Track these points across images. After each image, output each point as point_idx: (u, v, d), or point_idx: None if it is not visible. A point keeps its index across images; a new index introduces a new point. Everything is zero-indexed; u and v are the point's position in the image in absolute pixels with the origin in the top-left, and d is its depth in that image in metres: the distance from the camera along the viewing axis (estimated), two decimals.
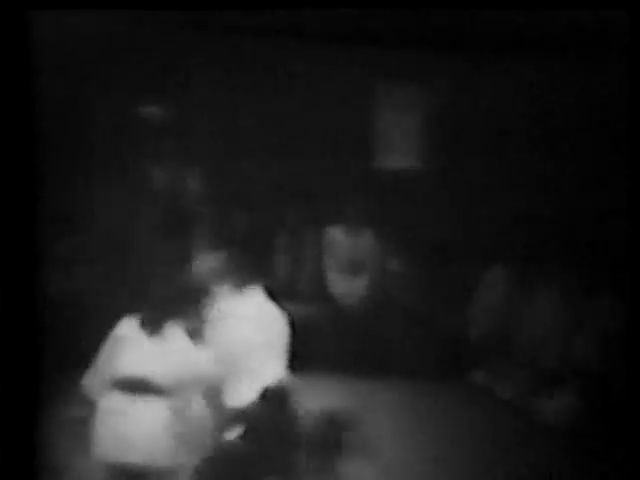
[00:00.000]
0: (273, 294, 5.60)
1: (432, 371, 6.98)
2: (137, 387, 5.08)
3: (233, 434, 5.30)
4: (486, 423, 6.40)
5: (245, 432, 5.31)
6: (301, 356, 6.11)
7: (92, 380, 5.18)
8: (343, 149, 6.37)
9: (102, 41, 6.18)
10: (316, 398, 6.33)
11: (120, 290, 5.86)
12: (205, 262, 5.94)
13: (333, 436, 5.40)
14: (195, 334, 5.29)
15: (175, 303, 5.33)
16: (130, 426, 5.04)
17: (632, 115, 5.05)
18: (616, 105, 5.39)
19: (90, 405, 5.19)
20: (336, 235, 7.59)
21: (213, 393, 5.33)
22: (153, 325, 5.20)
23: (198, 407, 5.26)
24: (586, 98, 6.82)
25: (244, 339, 5.46)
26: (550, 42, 6.21)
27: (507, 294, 7.44)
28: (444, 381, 6.93)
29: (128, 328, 5.21)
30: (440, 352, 7.22)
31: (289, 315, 5.55)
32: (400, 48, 6.89)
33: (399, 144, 7.87)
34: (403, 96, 7.93)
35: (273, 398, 5.45)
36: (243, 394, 5.43)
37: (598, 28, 5.44)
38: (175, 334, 5.24)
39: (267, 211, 7.67)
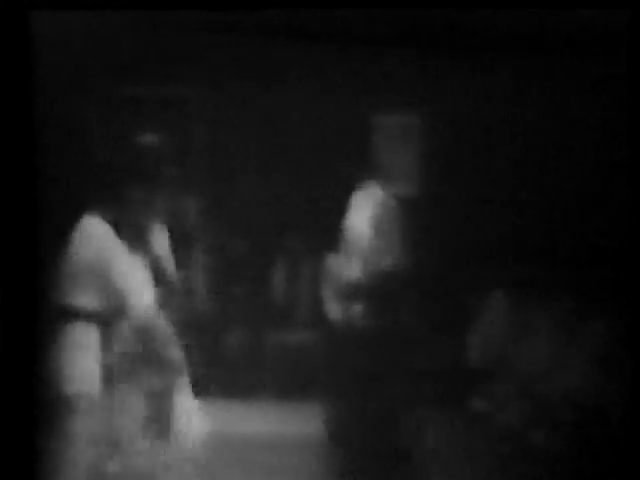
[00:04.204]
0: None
1: (430, 397, 6.98)
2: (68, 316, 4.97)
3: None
4: (484, 450, 6.39)
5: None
6: (298, 381, 6.12)
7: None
8: (340, 176, 6.38)
9: (102, 41, 6.18)
10: (312, 422, 6.34)
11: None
12: None
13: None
14: None
15: None
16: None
17: (632, 118, 5.05)
18: (616, 107, 5.39)
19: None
20: (334, 261, 7.59)
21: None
22: None
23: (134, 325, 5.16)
24: (586, 102, 6.83)
25: None
26: (550, 42, 6.22)
27: (506, 321, 7.45)
28: (442, 407, 6.92)
29: None
30: (438, 378, 7.22)
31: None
32: (398, 64, 6.92)
33: (397, 171, 7.89)
34: (400, 124, 7.96)
35: None
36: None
37: (598, 28, 5.45)
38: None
39: (265, 237, 7.70)
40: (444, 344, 7.45)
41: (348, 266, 6.23)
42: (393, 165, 7.90)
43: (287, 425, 6.44)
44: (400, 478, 6.03)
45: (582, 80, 6.69)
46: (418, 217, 7.38)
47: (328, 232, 7.23)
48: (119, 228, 5.23)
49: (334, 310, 6.23)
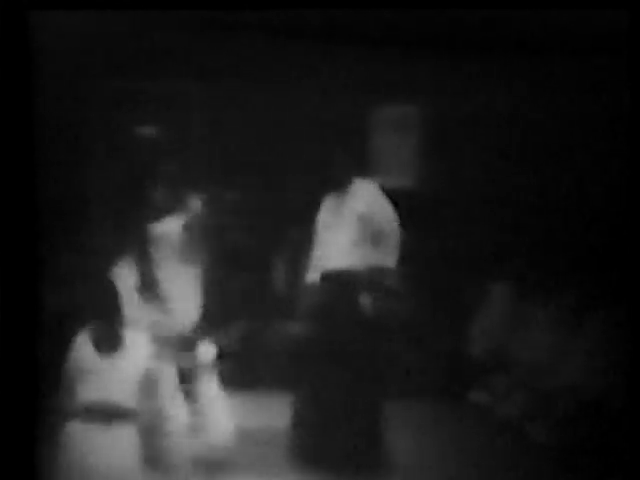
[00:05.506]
0: None
1: (430, 390, 6.99)
2: (102, 414, 4.99)
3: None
4: (484, 443, 6.40)
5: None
6: (299, 375, 6.13)
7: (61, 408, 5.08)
8: (339, 169, 6.36)
9: (102, 41, 6.18)
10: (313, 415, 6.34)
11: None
12: None
13: None
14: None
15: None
16: (100, 457, 4.95)
17: (632, 118, 5.05)
18: (616, 107, 5.39)
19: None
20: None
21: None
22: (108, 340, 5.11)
23: (167, 425, 5.21)
24: (586, 102, 6.83)
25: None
26: (550, 42, 6.22)
27: (507, 314, 7.47)
28: (442, 400, 6.94)
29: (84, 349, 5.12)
30: (438, 371, 7.23)
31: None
32: (396, 61, 6.91)
33: (395, 163, 7.88)
34: (398, 115, 7.95)
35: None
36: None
37: (598, 28, 5.44)
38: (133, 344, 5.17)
39: (265, 231, 7.70)
40: (445, 337, 7.46)
41: (349, 257, 6.22)
42: (393, 160, 7.90)
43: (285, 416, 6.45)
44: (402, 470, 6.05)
45: (582, 80, 6.68)
46: (419, 211, 7.39)
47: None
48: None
49: (334, 302, 6.24)
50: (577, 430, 6.21)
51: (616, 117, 5.36)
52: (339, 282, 6.05)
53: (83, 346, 5.10)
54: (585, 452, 6.00)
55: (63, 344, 5.09)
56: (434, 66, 6.99)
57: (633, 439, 5.00)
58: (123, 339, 5.12)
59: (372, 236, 6.05)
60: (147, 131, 7.61)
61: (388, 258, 6.06)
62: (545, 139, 7.42)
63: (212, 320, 6.84)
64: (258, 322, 7.62)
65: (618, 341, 6.11)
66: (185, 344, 5.44)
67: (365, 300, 6.07)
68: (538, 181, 7.48)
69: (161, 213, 6.81)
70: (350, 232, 6.07)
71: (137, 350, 5.15)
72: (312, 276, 6.21)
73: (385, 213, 6.08)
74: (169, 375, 5.30)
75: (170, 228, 6.09)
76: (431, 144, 7.82)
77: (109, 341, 5.09)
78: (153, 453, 5.10)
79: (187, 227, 6.41)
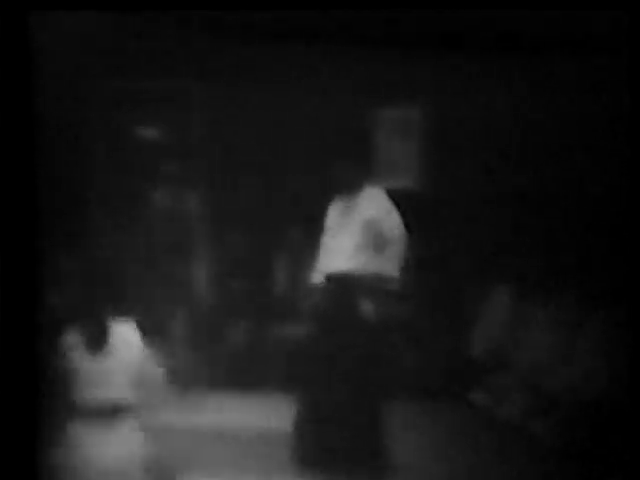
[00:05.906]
0: None
1: (432, 391, 6.98)
2: (102, 412, 4.97)
3: None
4: (484, 442, 6.39)
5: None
6: (300, 376, 6.12)
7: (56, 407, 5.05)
8: (339, 169, 6.35)
9: (102, 41, 6.18)
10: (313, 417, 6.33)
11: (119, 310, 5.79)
12: None
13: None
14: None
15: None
16: (104, 455, 4.93)
17: (632, 118, 5.04)
18: (616, 107, 5.39)
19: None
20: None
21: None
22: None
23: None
24: (586, 102, 6.82)
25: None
26: (550, 42, 6.21)
27: (507, 313, 7.46)
28: (443, 401, 6.93)
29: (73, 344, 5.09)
30: (439, 372, 7.22)
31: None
32: (396, 62, 6.90)
33: (395, 163, 7.87)
34: (398, 115, 7.94)
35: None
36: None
37: (598, 28, 5.43)
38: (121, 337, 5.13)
39: (266, 231, 7.69)
40: (446, 337, 7.47)
41: (353, 262, 6.21)
42: (393, 160, 7.89)
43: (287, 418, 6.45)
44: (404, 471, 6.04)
45: (582, 80, 6.68)
46: (419, 211, 7.39)
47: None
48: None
49: (336, 303, 6.24)
50: (577, 430, 6.20)
51: (616, 117, 5.35)
52: (342, 285, 6.04)
53: (75, 345, 5.07)
54: (585, 452, 5.98)
55: (63, 344, 5.07)
56: (434, 66, 6.98)
57: (633, 439, 4.99)
58: (113, 336, 5.07)
59: (376, 243, 6.03)
60: (147, 131, 7.61)
61: (391, 266, 6.04)
62: (545, 139, 7.41)
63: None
64: (260, 324, 7.62)
65: (618, 341, 6.10)
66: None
67: (367, 302, 6.05)
68: (538, 181, 7.48)
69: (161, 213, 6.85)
70: (355, 237, 6.05)
71: (128, 346, 5.11)
72: (315, 278, 6.19)
73: (392, 221, 6.07)
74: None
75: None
76: (430, 144, 7.82)
77: (100, 338, 5.05)
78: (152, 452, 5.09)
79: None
